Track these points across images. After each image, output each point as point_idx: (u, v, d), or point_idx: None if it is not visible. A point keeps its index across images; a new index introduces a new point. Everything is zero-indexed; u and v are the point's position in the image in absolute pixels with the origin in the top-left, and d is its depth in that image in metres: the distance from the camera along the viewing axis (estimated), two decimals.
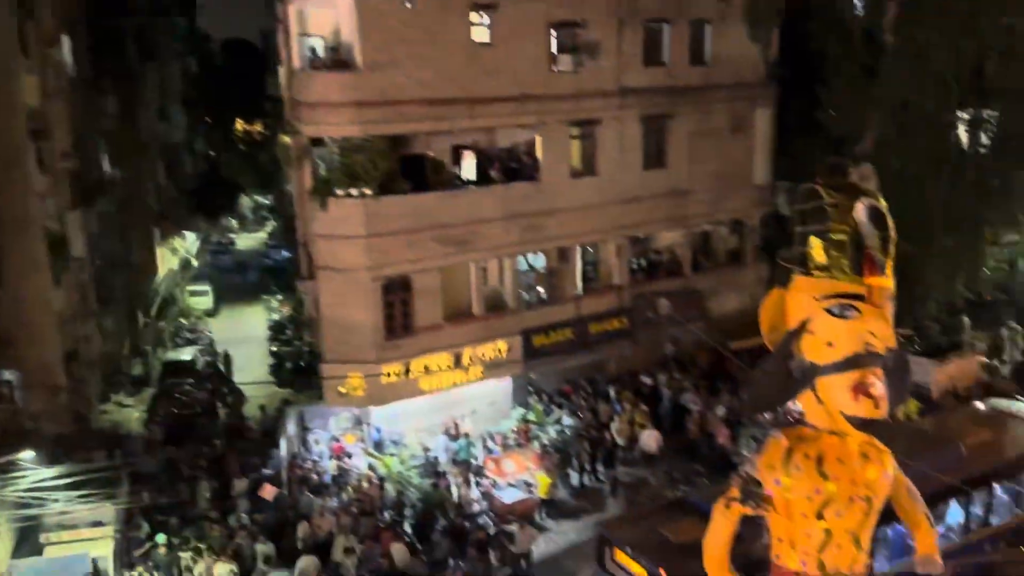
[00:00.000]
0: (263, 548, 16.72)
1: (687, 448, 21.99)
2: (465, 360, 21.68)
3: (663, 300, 24.34)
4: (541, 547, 18.15)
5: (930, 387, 23.43)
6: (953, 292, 27.59)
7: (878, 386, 10.71)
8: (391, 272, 20.61)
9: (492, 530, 18.20)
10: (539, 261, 23.96)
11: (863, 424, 10.74)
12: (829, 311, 10.98)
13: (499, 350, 22.23)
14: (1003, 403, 18.62)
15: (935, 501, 14.84)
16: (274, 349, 29.48)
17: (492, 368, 22.17)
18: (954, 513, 15.64)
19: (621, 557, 14.03)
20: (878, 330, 10.82)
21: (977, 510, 15.69)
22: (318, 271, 21.29)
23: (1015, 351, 27.68)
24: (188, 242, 35.95)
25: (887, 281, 11.16)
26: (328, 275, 20.86)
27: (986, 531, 15.75)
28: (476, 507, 19.12)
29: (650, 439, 21.60)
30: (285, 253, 40.80)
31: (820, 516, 11.12)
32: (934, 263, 25.85)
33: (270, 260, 44.10)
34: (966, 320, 28.85)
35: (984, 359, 26.17)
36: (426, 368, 21.16)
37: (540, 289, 24.10)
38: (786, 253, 11.83)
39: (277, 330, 31.23)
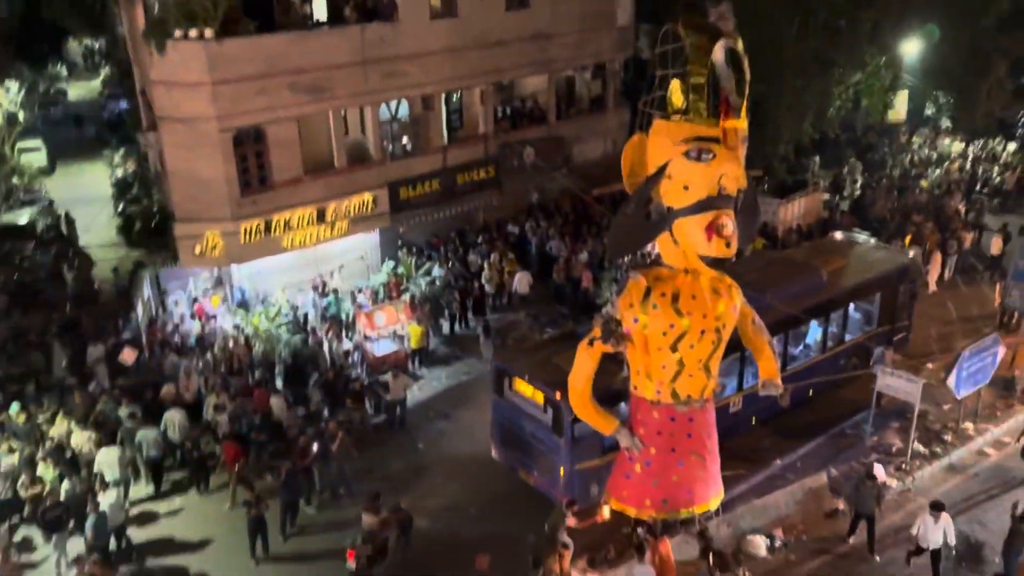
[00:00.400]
0: (127, 410, 16.30)
1: (553, 293, 22.69)
2: (329, 215, 21.08)
3: (528, 148, 24.25)
4: (415, 394, 18.62)
5: (776, 225, 24.92)
6: (801, 132, 28.91)
7: (729, 226, 11.23)
8: (242, 123, 19.36)
9: (366, 381, 18.48)
10: (402, 110, 23.14)
11: (714, 262, 11.30)
12: (686, 155, 11.24)
13: (364, 204, 21.71)
14: (853, 235, 20.36)
15: (799, 322, 16.48)
16: (120, 208, 27.64)
17: (358, 222, 21.71)
18: (814, 332, 17.28)
19: (520, 385, 14.80)
20: (731, 172, 11.21)
21: (834, 328, 17.39)
22: (160, 122, 19.75)
23: (854, 187, 29.66)
24: (12, 93, 32.38)
25: (741, 123, 11.46)
26: (171, 126, 19.40)
27: (841, 347, 17.58)
28: (349, 360, 19.22)
29: (522, 281, 22.24)
30: (123, 104, 37.61)
31: (674, 349, 11.89)
32: (784, 104, 26.84)
33: (107, 112, 40.59)
34: (816, 160, 30.47)
35: (826, 196, 27.93)
36: (287, 224, 20.45)
37: (405, 139, 23.42)
38: (647, 97, 11.89)
39: (122, 188, 29.10)
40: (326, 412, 17.42)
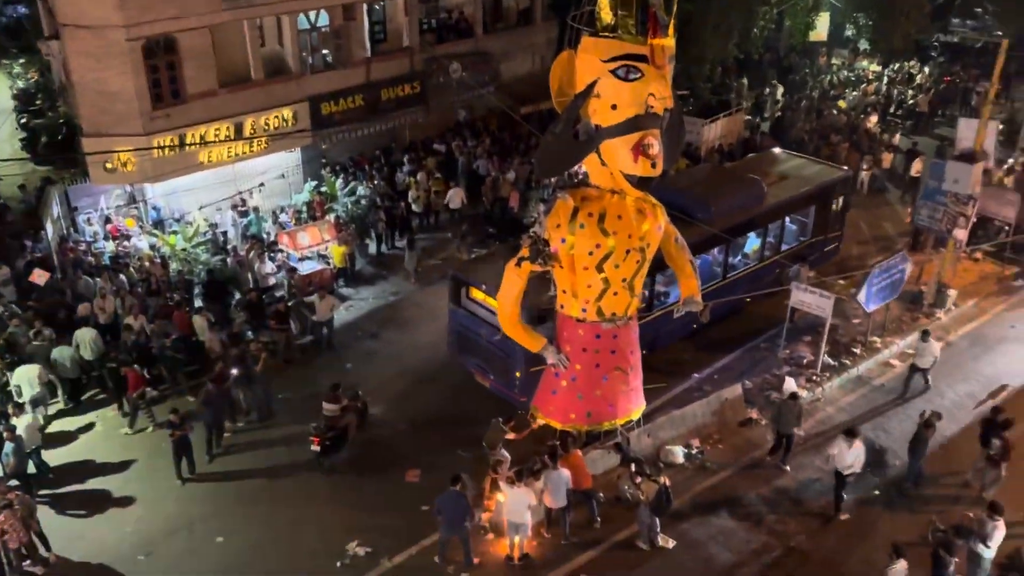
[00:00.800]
0: (39, 330, 15.77)
1: (481, 213, 22.59)
2: (247, 130, 20.32)
3: (455, 63, 23.68)
4: (342, 314, 18.51)
5: (699, 145, 25.22)
6: (726, 52, 29.03)
7: (655, 146, 11.34)
8: (152, 31, 18.26)
9: (291, 301, 18.23)
10: (322, 19, 22.20)
11: (640, 182, 11.43)
12: (614, 73, 11.21)
13: (284, 119, 20.99)
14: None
15: (742, 231, 17.24)
16: (24, 121, 26.03)
17: (279, 139, 21.00)
18: (753, 242, 18.12)
19: (476, 294, 15.05)
20: (658, 91, 11.24)
21: (772, 239, 18.20)
22: (63, 30, 18.50)
23: (775, 108, 30.12)
24: None
25: (669, 41, 11.42)
26: (75, 34, 18.18)
27: (775, 256, 18.37)
28: (272, 280, 18.89)
29: (456, 196, 22.20)
30: (22, 8, 34.97)
31: (600, 268, 12.10)
32: (710, 23, 26.84)
33: (4, 17, 37.69)
34: (744, 81, 30.66)
35: (747, 117, 28.31)
36: (203, 139, 19.65)
37: (325, 51, 22.55)
38: (575, 12, 11.70)
39: (25, 100, 27.34)
40: (249, 333, 17.21)
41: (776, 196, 17.71)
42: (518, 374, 14.10)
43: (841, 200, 19.27)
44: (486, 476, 13.00)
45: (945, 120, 29.48)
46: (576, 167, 12.70)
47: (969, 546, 11.10)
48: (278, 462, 14.34)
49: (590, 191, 11.22)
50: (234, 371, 15.02)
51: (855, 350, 17.03)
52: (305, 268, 19.01)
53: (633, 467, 12.72)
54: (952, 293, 18.49)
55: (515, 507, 11.78)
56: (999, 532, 10.91)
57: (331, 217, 20.73)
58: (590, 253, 11.06)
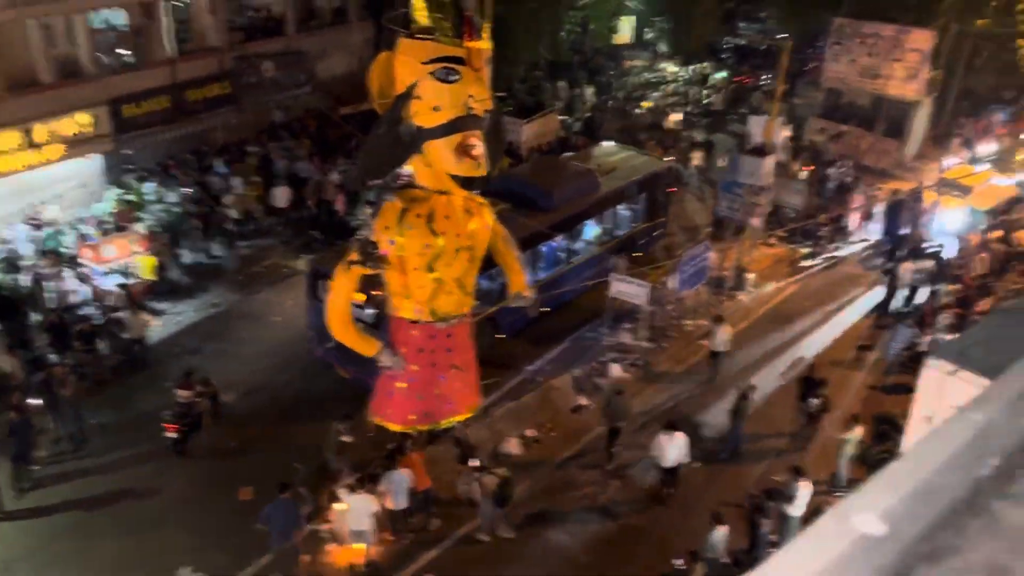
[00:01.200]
0: None
1: (305, 216, 22.05)
2: (38, 137, 18.67)
3: (267, 62, 22.99)
4: (158, 330, 17.49)
5: (519, 144, 25.91)
6: (536, 53, 30.03)
7: (478, 147, 11.56)
8: None
9: (99, 320, 16.99)
10: (119, 18, 20.82)
11: (466, 182, 11.61)
12: (433, 75, 11.32)
13: (81, 124, 19.49)
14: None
15: (579, 220, 18.35)
16: None
17: (76, 145, 19.46)
18: (590, 229, 19.26)
19: None
20: (478, 93, 11.48)
21: (608, 225, 19.53)
22: None
23: (585, 108, 31.49)
24: None
25: (485, 44, 11.70)
26: None
27: (611, 242, 19.60)
28: (74, 298, 17.51)
29: (282, 195, 21.64)
30: None
31: (431, 268, 12.14)
32: (520, 26, 27.65)
33: None
34: (562, 84, 31.75)
35: (562, 117, 29.41)
36: None
37: (125, 52, 21.15)
38: (391, 14, 11.73)
39: None
40: (53, 356, 15.89)
41: (609, 185, 18.99)
42: None
43: (666, 188, 21.10)
44: (325, 487, 12.79)
45: (738, 118, 32.03)
46: (401, 169, 12.71)
47: (779, 508, 12.20)
48: (96, 492, 13.37)
49: (417, 192, 11.28)
50: (37, 399, 13.85)
51: (670, 333, 18.20)
52: (112, 282, 17.77)
53: (471, 463, 12.96)
54: (751, 276, 20.18)
55: (357, 515, 11.67)
56: (804, 492, 12.08)
57: (140, 227, 19.49)
58: (420, 254, 11.11)
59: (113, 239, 18.56)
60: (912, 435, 3.25)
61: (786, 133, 26.29)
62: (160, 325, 17.72)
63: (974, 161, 27.29)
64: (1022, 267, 18.93)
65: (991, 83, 33.92)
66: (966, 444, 1.19)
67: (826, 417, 14.68)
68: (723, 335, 16.45)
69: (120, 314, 16.62)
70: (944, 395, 3.08)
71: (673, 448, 13.20)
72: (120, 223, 19.63)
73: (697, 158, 26.23)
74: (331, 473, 12.77)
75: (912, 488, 1.13)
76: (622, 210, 20.13)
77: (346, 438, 13.06)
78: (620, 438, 14.31)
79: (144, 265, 18.43)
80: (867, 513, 1.10)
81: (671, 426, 13.38)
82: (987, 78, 33.61)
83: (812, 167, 25.26)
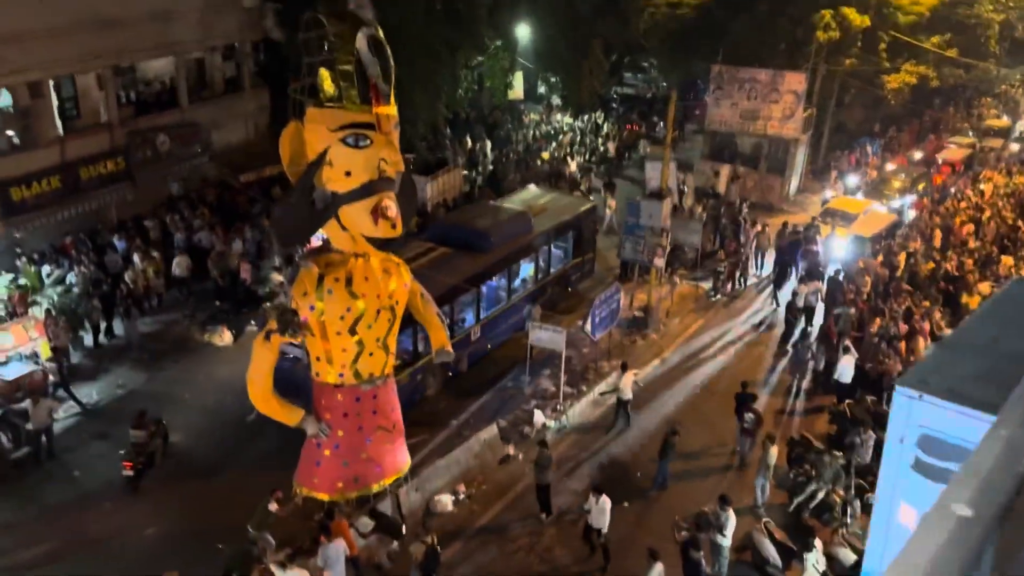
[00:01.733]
0: None
1: (211, 288, 21.54)
2: None
3: (162, 136, 22.61)
4: (61, 416, 16.68)
5: (426, 200, 26.18)
6: (436, 112, 30.54)
7: (393, 208, 11.76)
8: None
9: None
10: (4, 99, 20.17)
11: (383, 243, 11.75)
12: (344, 141, 11.52)
13: None
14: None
15: (515, 259, 19.29)
16: None
17: None
18: (526, 268, 20.06)
19: None
20: (389, 156, 11.72)
21: (542, 263, 20.30)
22: None
23: (486, 162, 32.12)
24: None
25: (392, 109, 11.96)
26: None
27: (547, 279, 20.59)
28: None
29: (181, 264, 21.29)
30: None
31: (353, 331, 12.17)
32: (419, 86, 28.13)
33: None
34: (467, 140, 32.27)
35: (464, 172, 29.91)
36: None
37: (10, 133, 20.45)
38: (296, 84, 11.86)
39: None
40: None
41: (542, 225, 19.87)
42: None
43: (591, 225, 22.13)
44: (253, 568, 12.37)
45: (631, 163, 33.33)
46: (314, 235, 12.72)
47: (710, 537, 12.54)
48: None
49: (333, 256, 11.33)
50: None
51: (588, 376, 18.57)
52: (12, 372, 16.89)
53: (394, 542, 12.86)
54: (660, 315, 20.86)
55: None
56: (731, 521, 12.47)
57: (36, 311, 18.64)
58: (341, 317, 11.12)
59: (10, 326, 17.66)
60: (888, 455, 3.78)
61: (682, 176, 27.61)
62: (64, 412, 16.89)
63: (850, 192, 29.23)
64: (905, 288, 20.25)
65: (860, 117, 36.50)
66: (1002, 451, 2.00)
67: (759, 431, 15.25)
68: (628, 382, 16.55)
69: (22, 404, 15.76)
70: (912, 418, 3.54)
71: (597, 510, 13.09)
72: (16, 309, 18.74)
73: (611, 200, 26.92)
74: (256, 553, 12.38)
75: (977, 484, 1.87)
76: (555, 248, 20.94)
77: (273, 507, 12.72)
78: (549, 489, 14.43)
79: (43, 349, 17.61)
80: (957, 502, 1.80)
81: (598, 490, 13.26)
82: (856, 113, 36.17)
83: (706, 207, 26.43)
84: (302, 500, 12.73)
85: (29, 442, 15.65)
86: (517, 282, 19.90)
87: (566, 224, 20.87)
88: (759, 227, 24.56)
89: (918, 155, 35.98)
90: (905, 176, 33.43)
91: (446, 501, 14.42)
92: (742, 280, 23.13)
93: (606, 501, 13.11)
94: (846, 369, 16.97)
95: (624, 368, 16.91)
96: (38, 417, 15.56)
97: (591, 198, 27.77)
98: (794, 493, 14.44)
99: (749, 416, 15.36)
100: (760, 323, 21.33)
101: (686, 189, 27.11)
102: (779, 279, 22.45)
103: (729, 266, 22.91)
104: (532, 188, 23.71)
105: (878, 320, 18.44)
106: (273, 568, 11.72)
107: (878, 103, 34.58)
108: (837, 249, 23.33)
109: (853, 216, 24.70)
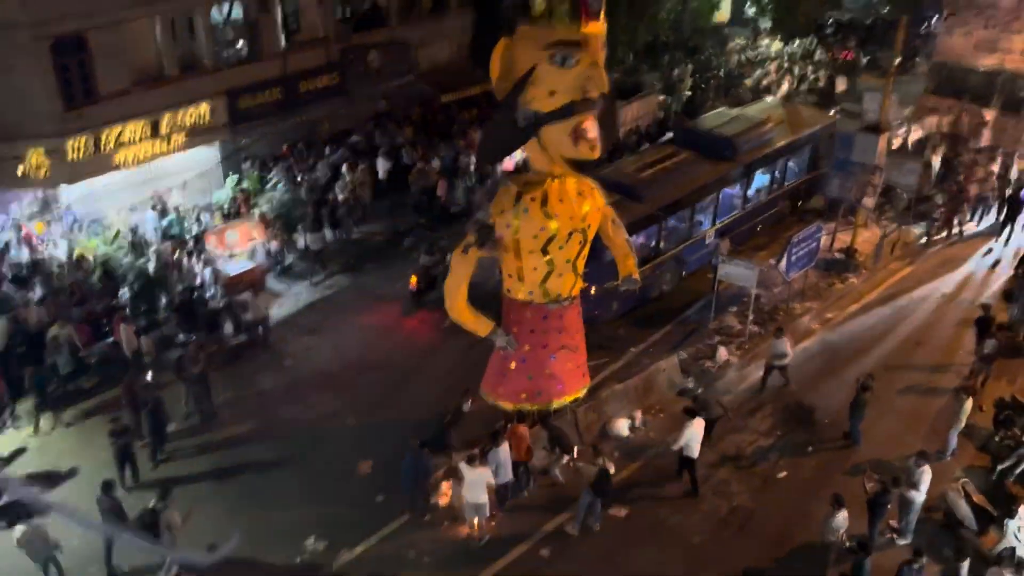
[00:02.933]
0: None
1: (412, 204, 22.55)
2: (164, 128, 19.77)
3: (373, 53, 23.53)
4: (276, 310, 18.33)
5: (618, 127, 25.74)
6: (636, 35, 29.70)
7: (593, 130, 11.68)
8: (60, 29, 17.58)
9: (222, 302, 17.88)
10: (235, 12, 21.71)
11: (580, 165, 11.75)
12: (552, 60, 11.49)
13: (202, 114, 20.48)
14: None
15: (756, 168, 19.45)
16: None
17: (196, 135, 20.50)
18: (763, 178, 20.17)
19: None
20: (594, 76, 11.58)
21: (778, 174, 20.46)
22: None
23: (685, 89, 30.98)
24: None
25: (601, 27, 11.78)
26: None
27: (781, 191, 20.71)
28: (199, 281, 18.48)
29: (383, 168, 22.78)
30: None
31: (545, 251, 12.39)
32: (622, 6, 27.39)
33: None
34: (683, 69, 31.24)
35: (661, 97, 29.06)
36: (119, 139, 19.03)
37: (240, 44, 22.06)
38: (508, 1, 11.90)
39: None
40: (181, 336, 16.90)
41: (782, 137, 19.86)
42: (593, 290, 15.72)
43: (828, 141, 21.14)
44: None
45: (844, 95, 30.94)
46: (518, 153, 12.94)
47: (900, 493, 11.92)
48: (223, 464, 14.17)
49: (531, 176, 11.49)
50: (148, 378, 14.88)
51: (778, 317, 17.89)
52: (234, 267, 18.68)
53: (566, 456, 13.21)
54: (862, 259, 19.58)
55: (474, 487, 12.01)
56: (927, 476, 11.78)
57: (256, 213, 20.39)
58: (535, 236, 11.33)
59: (235, 225, 19.46)
60: None
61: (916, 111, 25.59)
62: (278, 306, 18.54)
63: None
64: None
65: None
66: None
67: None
68: (781, 349, 15.19)
69: (243, 296, 17.43)
70: None
71: (685, 436, 12.88)
72: (239, 209, 20.58)
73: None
74: (446, 446, 13.28)
75: None
76: (792, 162, 20.66)
77: (467, 407, 13.58)
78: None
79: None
80: None
81: (690, 412, 13.09)
82: None
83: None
84: (487, 407, 13.37)
85: (248, 331, 17.37)
86: (751, 191, 19.82)
87: (807, 136, 20.50)
88: (985, 171, 22.23)
89: None
90: None
91: (622, 425, 14.59)
92: (960, 228, 21.15)
93: (699, 424, 12.89)
94: None
95: (780, 332, 15.44)
96: (257, 309, 17.18)
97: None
98: (998, 458, 13.40)
99: (991, 342, 14.86)
100: (976, 275, 19.54)
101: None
102: (1004, 225, 20.39)
103: (947, 211, 21.00)
104: (770, 99, 24.33)
105: None
106: (461, 466, 12.43)
107: None
108: None
109: None
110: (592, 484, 12.40)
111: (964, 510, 11.84)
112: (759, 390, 15.59)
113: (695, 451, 12.97)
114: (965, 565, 10.76)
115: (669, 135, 21.99)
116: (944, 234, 20.98)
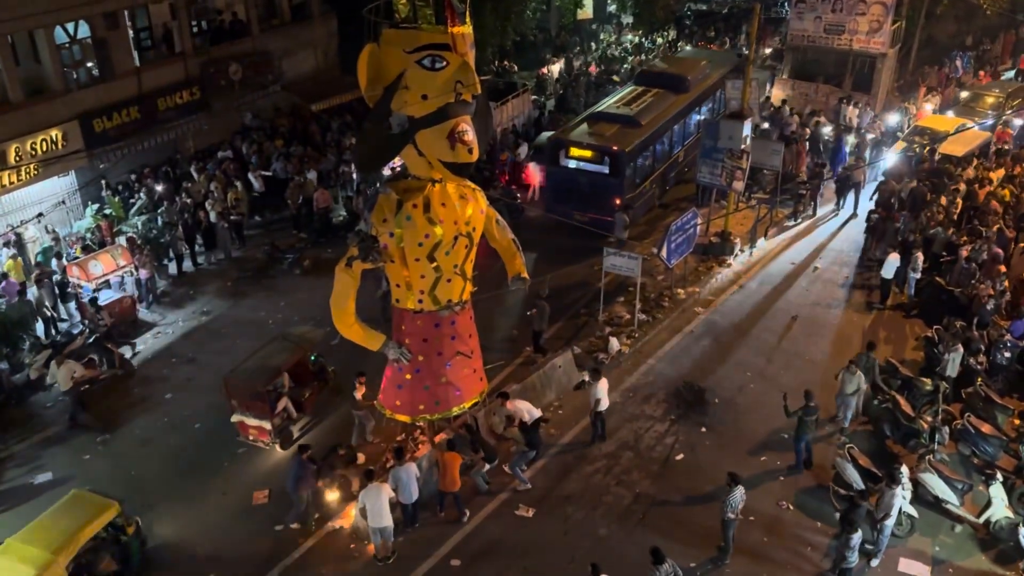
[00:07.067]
0: None
1: (290, 217, 21.87)
2: (11, 157, 18.40)
3: (235, 65, 22.68)
4: (150, 342, 17.37)
5: (494, 127, 25.81)
6: (505, 35, 29.87)
7: (470, 133, 11.55)
8: None
9: (91, 338, 16.73)
10: (83, 30, 20.43)
11: (458, 168, 11.59)
12: (420, 63, 11.29)
13: (53, 141, 19.20)
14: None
15: (702, 100, 23.01)
16: None
17: (50, 163, 19.19)
18: (706, 107, 24.73)
19: (575, 151, 20.60)
20: (465, 79, 11.45)
21: (712, 104, 25.15)
22: None
23: (556, 86, 31.43)
24: None
25: (468, 29, 11.65)
26: None
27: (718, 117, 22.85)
28: (63, 315, 17.29)
29: (255, 181, 22.40)
30: None
31: (431, 258, 12.16)
32: (487, 8, 27.48)
33: None
34: (561, 63, 31.38)
35: (533, 97, 29.35)
36: None
37: (90, 64, 20.80)
38: (371, 5, 11.61)
39: None
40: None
41: (714, 71, 24.84)
42: (618, 201, 19.68)
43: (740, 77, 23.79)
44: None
45: None
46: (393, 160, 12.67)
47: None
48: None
49: (411, 182, 11.28)
50: None
51: (663, 303, 18.33)
52: (103, 297, 17.57)
53: (480, 446, 13.09)
54: (737, 241, 20.34)
55: (374, 513, 11.61)
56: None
57: (122, 240, 19.28)
58: (420, 244, 11.14)
59: (99, 255, 18.31)
60: None
61: (777, 93, 27.02)
62: (153, 337, 17.57)
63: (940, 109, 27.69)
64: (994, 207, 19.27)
65: (952, 31, 34.30)
66: None
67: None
68: (602, 390, 14.11)
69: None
70: None
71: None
72: (104, 238, 19.40)
73: None
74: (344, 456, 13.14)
75: None
76: (719, 92, 24.86)
77: (359, 394, 13.77)
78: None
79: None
80: None
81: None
82: (947, 26, 33.98)
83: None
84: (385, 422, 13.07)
85: (122, 366, 16.30)
86: (695, 118, 24.02)
87: (731, 69, 24.90)
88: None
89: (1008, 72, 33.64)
90: (999, 91, 31.40)
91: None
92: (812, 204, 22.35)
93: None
94: (890, 265, 17.65)
95: (597, 376, 14.13)
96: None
97: None
98: (878, 420, 14.15)
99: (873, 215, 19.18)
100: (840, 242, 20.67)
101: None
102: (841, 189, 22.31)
103: (812, 188, 22.11)
104: (689, 48, 30.58)
105: (967, 242, 17.68)
106: (360, 494, 11.97)
107: (972, 14, 32.39)
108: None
109: (942, 135, 23.42)
110: (525, 441, 13.20)
111: (851, 473, 12.42)
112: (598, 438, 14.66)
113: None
114: (856, 536, 11.15)
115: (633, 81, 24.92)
116: (811, 210, 22.07)
